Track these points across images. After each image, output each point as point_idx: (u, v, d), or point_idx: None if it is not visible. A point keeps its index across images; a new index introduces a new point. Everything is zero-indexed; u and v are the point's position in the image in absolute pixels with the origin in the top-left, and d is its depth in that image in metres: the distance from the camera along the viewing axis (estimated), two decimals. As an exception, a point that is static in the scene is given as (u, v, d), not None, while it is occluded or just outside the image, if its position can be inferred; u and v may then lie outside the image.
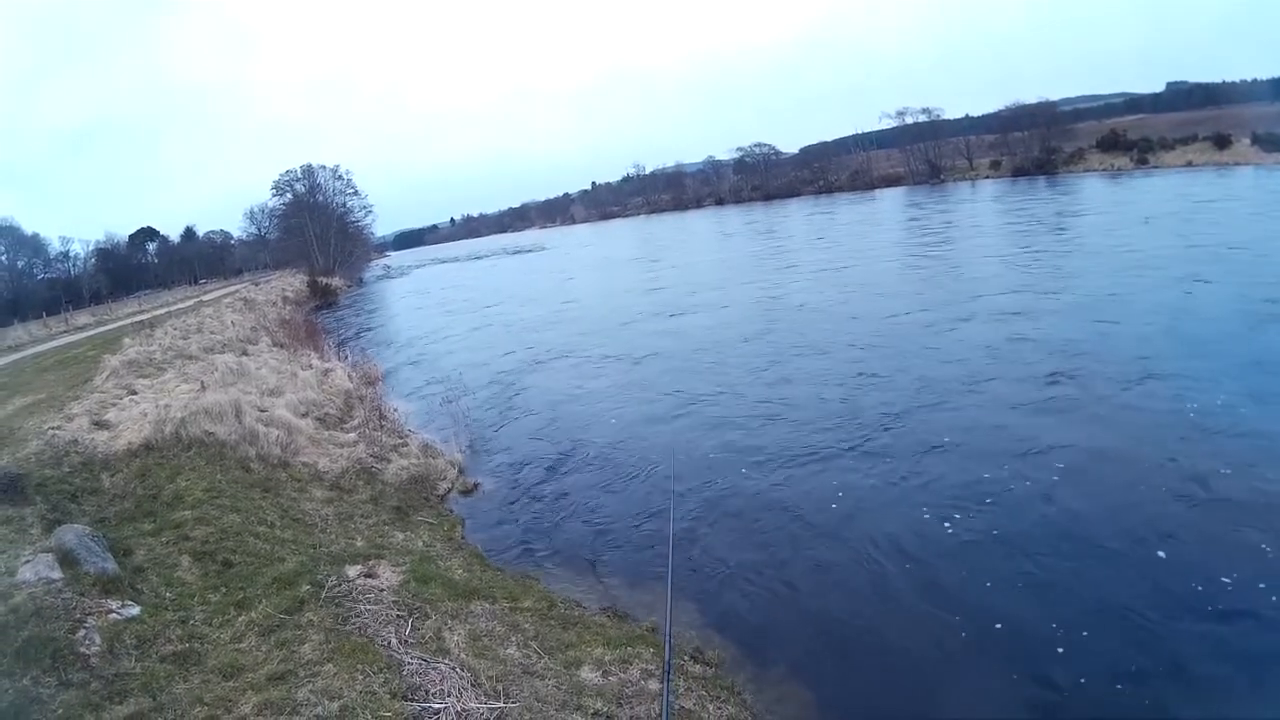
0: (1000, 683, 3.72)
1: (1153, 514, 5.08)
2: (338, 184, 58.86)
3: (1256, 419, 6.34)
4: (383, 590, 4.44)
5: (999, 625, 4.12)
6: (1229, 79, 57.86)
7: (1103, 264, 14.84)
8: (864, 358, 10.15)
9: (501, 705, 3.20)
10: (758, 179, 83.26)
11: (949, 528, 5.29)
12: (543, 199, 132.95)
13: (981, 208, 34.67)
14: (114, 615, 3.69)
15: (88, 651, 3.34)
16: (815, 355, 10.75)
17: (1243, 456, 5.68)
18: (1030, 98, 58.91)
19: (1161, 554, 4.58)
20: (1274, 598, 4.01)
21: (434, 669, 3.45)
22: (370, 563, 4.91)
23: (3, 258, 54.05)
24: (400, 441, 8.66)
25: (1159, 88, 67.50)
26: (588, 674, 3.71)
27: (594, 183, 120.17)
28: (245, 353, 13.48)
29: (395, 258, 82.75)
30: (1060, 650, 3.85)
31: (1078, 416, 7.02)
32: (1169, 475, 5.59)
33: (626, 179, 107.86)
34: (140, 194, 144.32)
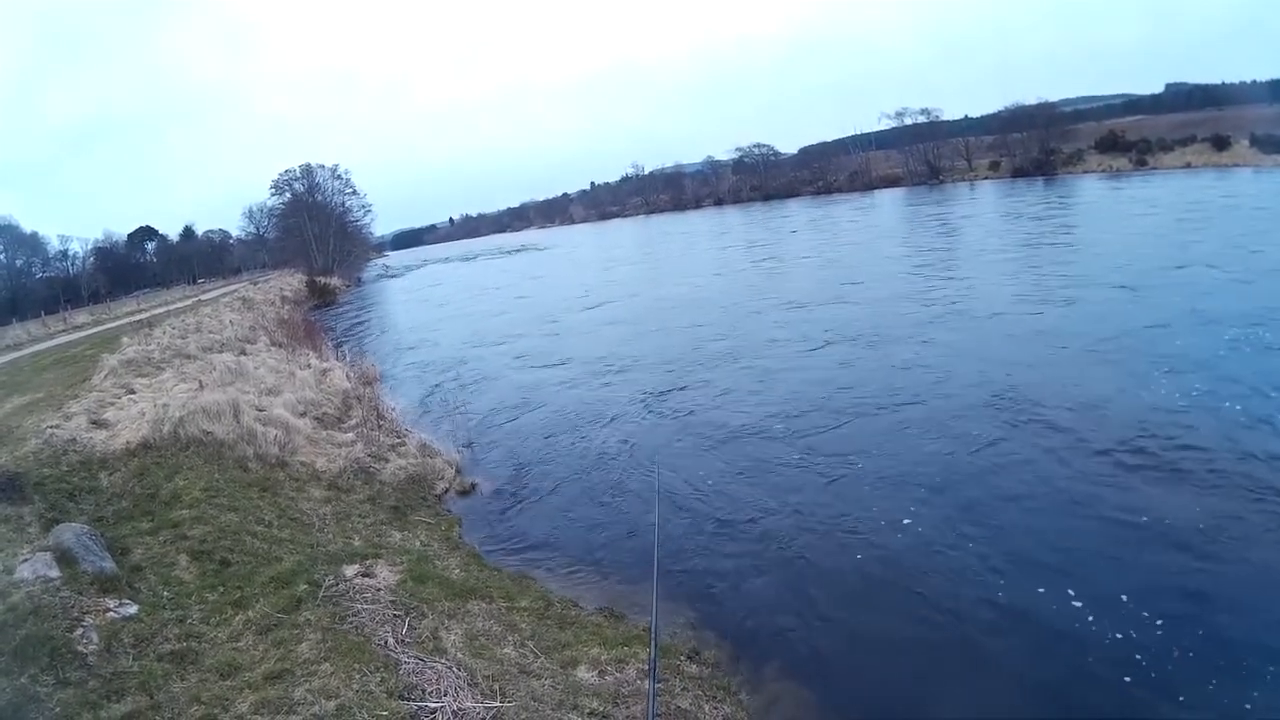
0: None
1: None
2: (336, 183, 58.82)
3: (1005, 376, 8.24)
4: (380, 590, 4.45)
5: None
6: (1228, 80, 57.92)
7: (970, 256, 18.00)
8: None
9: (498, 704, 3.21)
10: (757, 179, 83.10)
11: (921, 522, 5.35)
12: (542, 199, 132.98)
13: (954, 209, 34.90)
14: (112, 614, 3.71)
15: (85, 650, 3.35)
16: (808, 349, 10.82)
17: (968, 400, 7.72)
18: (1030, 98, 58.84)
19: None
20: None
21: (430, 668, 3.47)
22: (367, 562, 4.93)
23: (1, 257, 53.99)
24: (398, 441, 8.67)
25: (1158, 89, 67.50)
26: (584, 673, 3.72)
27: (593, 183, 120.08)
28: (243, 352, 13.45)
29: (394, 257, 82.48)
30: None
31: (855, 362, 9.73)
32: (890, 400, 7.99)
33: (625, 179, 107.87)
34: (139, 193, 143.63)
